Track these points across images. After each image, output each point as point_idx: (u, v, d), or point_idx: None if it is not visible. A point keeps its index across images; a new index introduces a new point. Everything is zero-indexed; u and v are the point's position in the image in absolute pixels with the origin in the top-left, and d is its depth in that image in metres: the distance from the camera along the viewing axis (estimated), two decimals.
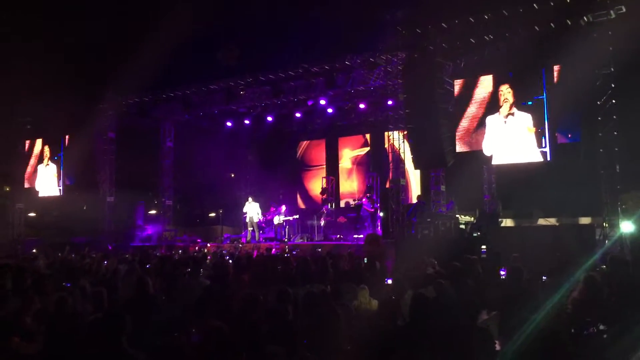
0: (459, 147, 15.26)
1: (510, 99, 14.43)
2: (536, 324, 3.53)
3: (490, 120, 14.73)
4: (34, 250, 18.16)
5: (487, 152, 14.81)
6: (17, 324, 5.63)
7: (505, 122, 14.47)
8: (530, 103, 14.09)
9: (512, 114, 14.38)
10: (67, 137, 22.20)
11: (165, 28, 16.14)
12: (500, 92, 14.55)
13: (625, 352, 3.14)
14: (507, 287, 6.68)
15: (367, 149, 23.15)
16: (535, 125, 14.06)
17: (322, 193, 21.29)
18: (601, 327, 4.34)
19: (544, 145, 13.82)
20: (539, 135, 13.97)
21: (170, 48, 17.31)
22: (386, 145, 17.56)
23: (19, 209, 23.48)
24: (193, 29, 17.94)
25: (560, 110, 13.75)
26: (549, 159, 13.77)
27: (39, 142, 23.17)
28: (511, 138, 14.36)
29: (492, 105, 14.70)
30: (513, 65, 14.48)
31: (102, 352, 4.10)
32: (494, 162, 14.85)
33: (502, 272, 8.27)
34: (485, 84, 14.94)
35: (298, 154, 24.89)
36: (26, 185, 23.57)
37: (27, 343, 5.27)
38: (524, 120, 14.23)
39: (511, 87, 14.43)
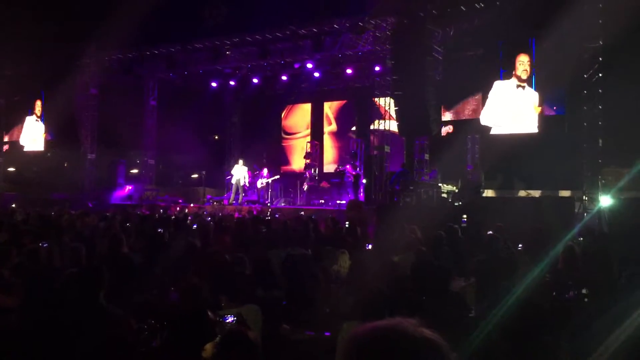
0: (446, 116, 15.26)
1: (529, 71, 14.31)
2: (517, 294, 3.56)
3: (499, 85, 14.65)
4: (13, 205, 17.97)
5: (485, 121, 14.81)
6: None
7: (516, 89, 14.41)
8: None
9: (523, 87, 14.32)
10: (45, 92, 21.75)
11: None
12: (520, 62, 14.41)
13: (613, 322, 3.18)
14: (485, 255, 6.74)
15: (353, 114, 23.04)
16: (540, 105, 14.06)
17: (305, 157, 21.22)
18: (584, 291, 4.40)
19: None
20: (542, 114, 14.02)
21: (155, 4, 16.89)
22: (371, 112, 17.50)
23: None
24: None
25: (546, 82, 13.76)
26: (535, 130, 13.83)
27: (22, 96, 22.68)
28: (518, 109, 14.34)
29: (503, 72, 14.59)
30: (504, 34, 14.38)
31: (79, 306, 4.07)
32: (493, 132, 14.89)
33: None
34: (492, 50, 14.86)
35: (283, 118, 24.72)
36: (5, 139, 23.20)
37: (6, 296, 5.22)
38: (532, 97, 14.20)
39: (530, 60, 14.31)
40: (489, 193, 16.11)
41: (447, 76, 15.36)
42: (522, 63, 14.46)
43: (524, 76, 14.36)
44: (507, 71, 14.64)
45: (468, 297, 5.57)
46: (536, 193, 15.40)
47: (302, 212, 15.76)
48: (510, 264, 5.64)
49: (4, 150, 23.45)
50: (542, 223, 9.37)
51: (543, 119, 14.03)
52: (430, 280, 4.74)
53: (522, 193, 15.71)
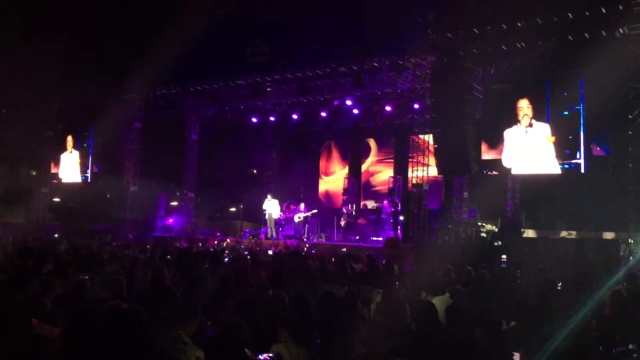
0: (485, 155, 15.13)
1: (530, 114, 14.31)
2: (561, 340, 3.45)
3: (509, 133, 14.63)
4: (56, 235, 18.41)
5: (506, 164, 14.72)
6: (38, 308, 5.69)
7: (526, 132, 14.36)
8: (566, 113, 13.89)
9: (531, 126, 14.26)
10: (94, 125, 22.48)
11: (195, 21, 16.21)
12: (520, 108, 14.44)
13: None
14: (529, 298, 6.56)
15: (391, 151, 23.03)
16: (554, 133, 13.91)
17: (343, 194, 21.24)
18: (631, 346, 4.23)
19: (578, 156, 13.64)
20: (562, 143, 13.82)
21: (199, 41, 17.40)
22: (410, 149, 17.46)
23: (43, 194, 23.87)
24: (223, 23, 18.01)
25: (591, 122, 13.56)
26: (582, 170, 13.57)
27: (63, 130, 23.49)
28: (530, 149, 14.24)
29: (511, 119, 14.58)
30: (548, 73, 14.28)
31: (122, 338, 4.11)
32: (514, 172, 14.78)
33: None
34: (505, 97, 14.88)
35: (321, 153, 24.85)
36: (52, 170, 23.93)
37: (48, 327, 5.31)
38: (543, 130, 14.10)
39: (530, 101, 14.29)
40: (529, 233, 15.79)
41: (493, 114, 15.28)
42: (522, 109, 14.44)
43: (526, 121, 14.30)
44: (511, 118, 14.59)
45: (510, 341, 5.41)
46: (577, 233, 15.02)
47: (344, 249, 15.65)
48: (554, 309, 5.47)
49: (51, 182, 24.13)
50: (587, 266, 9.13)
51: (589, 158, 13.77)
52: (469, 323, 4.64)
53: (563, 233, 15.34)
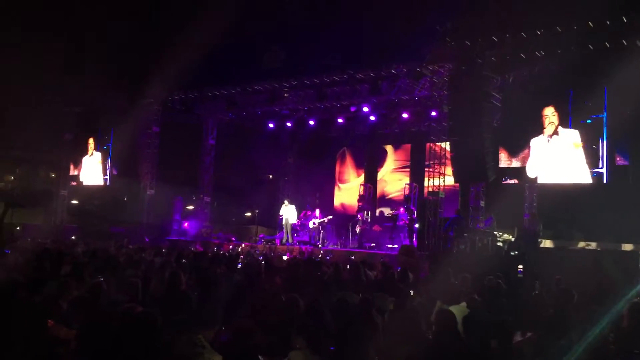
0: (502, 163, 15.03)
1: (556, 122, 14.22)
2: (579, 353, 3.39)
3: (534, 142, 14.53)
4: (73, 237, 18.58)
5: (531, 173, 14.62)
6: (54, 309, 5.74)
7: (549, 141, 14.26)
8: (589, 121, 13.78)
9: (557, 133, 14.17)
10: (113, 129, 22.73)
11: (213, 26, 16.32)
12: (545, 116, 14.36)
13: None
14: (546, 309, 6.48)
15: (408, 159, 22.97)
16: (583, 140, 13.80)
17: (359, 200, 21.20)
18: None
19: (600, 166, 13.51)
20: (588, 150, 13.71)
21: (216, 47, 17.51)
22: (427, 157, 17.40)
23: (62, 196, 24.12)
24: (241, 29, 18.11)
25: (612, 132, 13.43)
26: (605, 180, 13.43)
27: (84, 133, 23.77)
28: (557, 157, 14.14)
29: (536, 127, 14.49)
30: (571, 82, 14.18)
31: (136, 343, 4.13)
32: (540, 181, 14.66)
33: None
34: (528, 105, 14.79)
35: (337, 159, 24.85)
36: (72, 173, 24.18)
37: (63, 329, 5.35)
38: (570, 137, 13.99)
39: (556, 109, 14.19)
40: (546, 243, 15.62)
41: (514, 121, 15.20)
42: (547, 116, 14.34)
43: (551, 129, 14.21)
44: (536, 126, 14.49)
45: (526, 352, 5.36)
46: (595, 244, 14.83)
47: (353, 257, 15.62)
48: (572, 321, 5.39)
49: (70, 184, 24.36)
50: (605, 278, 9.00)
51: (612, 168, 13.61)
52: (486, 333, 4.59)
53: (581, 244, 15.16)
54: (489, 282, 8.13)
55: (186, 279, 7.78)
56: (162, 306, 5.42)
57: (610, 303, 6.12)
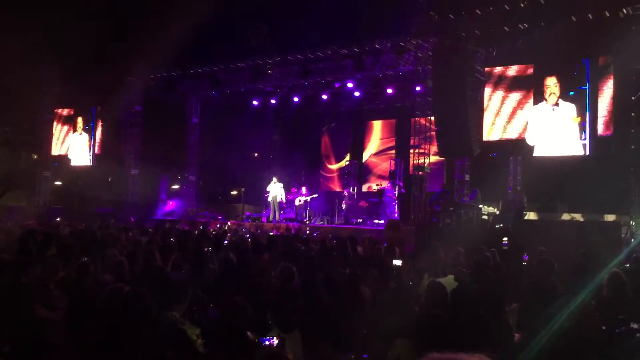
0: (487, 136, 15.13)
1: (557, 92, 14.38)
2: (562, 321, 3.46)
3: (535, 109, 14.73)
4: (58, 219, 18.45)
5: (530, 141, 14.83)
6: (41, 291, 5.71)
7: (553, 110, 14.46)
8: (572, 93, 13.96)
9: (557, 105, 14.33)
10: (95, 108, 22.49)
11: (196, 3, 16.10)
12: (546, 86, 14.51)
13: None
14: (531, 280, 6.58)
15: (393, 134, 22.98)
16: (579, 114, 14.01)
17: (344, 176, 21.23)
18: (633, 325, 4.24)
19: (583, 137, 13.70)
20: (581, 126, 13.91)
21: (199, 23, 17.27)
22: (412, 132, 17.41)
23: (45, 177, 23.89)
24: (223, 5, 17.88)
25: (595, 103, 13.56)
26: (587, 152, 13.60)
27: (70, 112, 23.52)
28: (556, 129, 14.41)
29: (537, 95, 14.65)
30: (552, 55, 14.25)
31: (125, 322, 4.13)
32: (536, 153, 14.85)
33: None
34: (526, 74, 14.87)
35: (322, 136, 24.79)
36: (55, 153, 23.93)
37: (50, 310, 5.34)
38: (569, 110, 14.22)
39: (558, 80, 14.31)
40: (530, 215, 15.77)
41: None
42: (549, 87, 14.47)
43: (553, 99, 14.37)
44: (539, 94, 14.62)
45: (512, 322, 5.44)
46: (579, 216, 15.01)
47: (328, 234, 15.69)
48: (555, 291, 5.48)
49: (53, 165, 24.14)
50: (588, 248, 9.13)
51: (594, 140, 13.80)
52: (475, 304, 4.66)
53: (565, 216, 15.33)
54: (478, 254, 8.20)
55: (174, 257, 7.79)
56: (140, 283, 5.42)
57: (593, 273, 6.22)
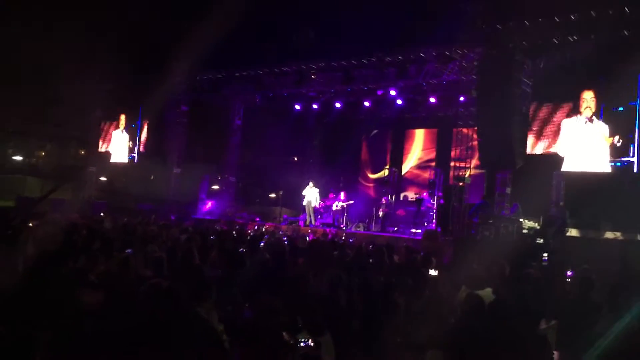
0: (530, 150, 14.89)
1: (593, 107, 14.09)
2: (609, 342, 3.36)
3: (567, 123, 14.48)
4: (102, 214, 18.89)
5: (561, 153, 14.70)
6: (82, 281, 5.84)
7: (585, 125, 14.17)
8: (621, 109, 13.61)
9: (592, 121, 14.02)
10: (142, 106, 22.98)
11: (242, 6, 16.29)
12: (583, 100, 14.23)
13: None
14: (572, 297, 6.42)
15: (434, 143, 22.79)
16: (612, 135, 13.68)
17: (383, 184, 21.15)
18: None
19: (631, 154, 13.37)
20: (614, 146, 13.60)
21: (245, 26, 17.50)
22: (453, 142, 17.24)
23: (90, 172, 24.52)
24: (269, 9, 18.07)
25: None
26: (635, 170, 13.28)
27: (116, 110, 24.10)
28: (586, 145, 14.06)
29: (573, 109, 14.40)
30: (595, 68, 13.95)
31: (162, 317, 4.20)
32: (564, 168, 14.54)
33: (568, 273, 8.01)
34: (567, 88, 14.64)
35: (363, 143, 24.75)
36: (101, 149, 24.55)
37: (91, 301, 5.45)
38: (601, 130, 13.87)
39: (595, 95, 14.02)
40: (572, 232, 15.41)
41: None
42: (586, 100, 14.17)
43: (588, 113, 14.11)
44: (575, 107, 14.47)
45: (550, 339, 5.33)
46: (622, 235, 14.58)
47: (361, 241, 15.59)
48: (597, 310, 5.34)
49: (99, 161, 24.75)
50: (631, 268, 8.87)
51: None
52: (512, 319, 4.58)
53: (609, 235, 14.91)
54: (518, 269, 8.06)
55: (214, 256, 7.90)
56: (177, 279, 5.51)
57: (637, 293, 6.04)
